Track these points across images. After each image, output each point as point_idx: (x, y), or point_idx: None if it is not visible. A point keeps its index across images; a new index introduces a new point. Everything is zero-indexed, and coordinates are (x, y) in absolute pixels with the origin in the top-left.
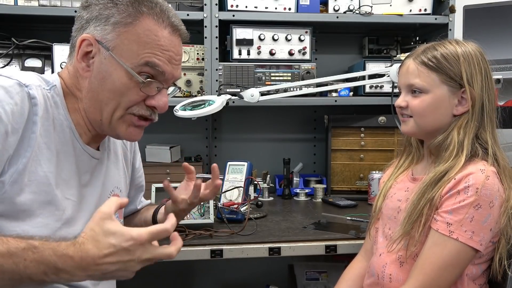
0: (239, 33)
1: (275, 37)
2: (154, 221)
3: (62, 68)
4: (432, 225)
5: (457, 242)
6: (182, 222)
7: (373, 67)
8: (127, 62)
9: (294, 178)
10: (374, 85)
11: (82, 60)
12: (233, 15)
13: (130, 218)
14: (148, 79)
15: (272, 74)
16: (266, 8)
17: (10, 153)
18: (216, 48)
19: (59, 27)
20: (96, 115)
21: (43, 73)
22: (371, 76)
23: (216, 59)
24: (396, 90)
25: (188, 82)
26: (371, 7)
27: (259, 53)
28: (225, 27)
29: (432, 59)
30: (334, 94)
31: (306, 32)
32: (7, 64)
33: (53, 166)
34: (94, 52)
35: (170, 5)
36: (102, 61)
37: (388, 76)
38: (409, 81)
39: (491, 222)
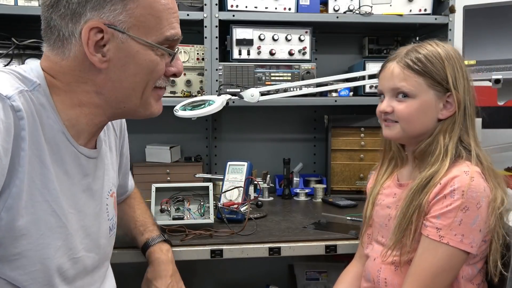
0: (239, 33)
1: (275, 37)
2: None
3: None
4: (422, 231)
5: (448, 247)
6: (182, 222)
7: (373, 67)
8: (149, 39)
9: (294, 178)
10: (374, 85)
11: (96, 51)
12: (233, 15)
13: (121, 204)
14: (174, 50)
15: (272, 74)
16: (266, 8)
17: (5, 176)
18: (216, 48)
19: None
20: (119, 104)
21: None
22: (371, 76)
23: (216, 59)
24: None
25: (188, 82)
26: (371, 7)
27: (259, 53)
28: (225, 27)
29: (418, 63)
30: (334, 94)
31: (306, 32)
32: (7, 64)
33: (48, 181)
34: (106, 39)
35: None
36: (120, 46)
37: None
38: (394, 84)
39: (480, 223)
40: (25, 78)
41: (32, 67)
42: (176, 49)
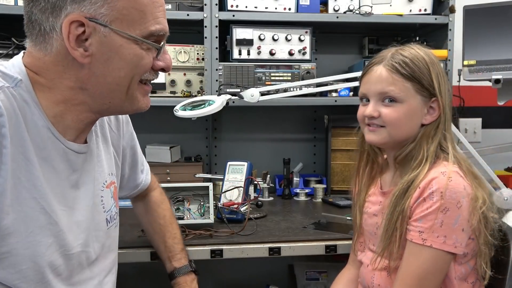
0: (239, 33)
1: (275, 37)
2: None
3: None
4: (407, 236)
5: (431, 249)
6: (182, 222)
7: None
8: (133, 33)
9: (294, 178)
10: None
11: (77, 46)
12: (233, 15)
13: (151, 221)
14: (161, 44)
15: (272, 74)
16: (266, 8)
17: None
18: (216, 48)
19: None
20: (104, 100)
21: None
22: None
23: (216, 59)
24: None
25: (188, 82)
26: (371, 7)
27: (259, 53)
28: (225, 27)
29: (406, 67)
30: (334, 94)
31: (306, 32)
32: None
33: (35, 178)
34: (88, 33)
35: None
36: (102, 40)
37: None
38: (383, 89)
39: (462, 223)
40: (6, 75)
41: (14, 63)
42: (162, 43)
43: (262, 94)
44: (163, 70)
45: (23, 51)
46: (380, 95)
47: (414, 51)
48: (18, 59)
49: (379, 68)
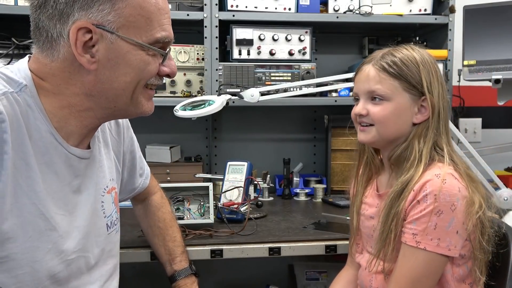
0: (239, 33)
1: (275, 37)
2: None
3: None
4: (401, 238)
5: (425, 252)
6: (182, 222)
7: None
8: (140, 39)
9: (294, 178)
10: None
11: (84, 52)
12: (233, 15)
13: (138, 204)
14: (166, 50)
15: (272, 74)
16: (266, 8)
17: None
18: (216, 48)
19: None
20: (109, 104)
21: None
22: None
23: (216, 59)
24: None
25: (188, 82)
26: (371, 7)
27: (259, 53)
28: (225, 27)
29: (393, 66)
30: (334, 94)
31: (306, 32)
32: (7, 64)
33: (35, 183)
34: (95, 40)
35: None
36: (109, 46)
37: None
38: (370, 87)
39: (456, 225)
40: (11, 79)
41: (19, 68)
42: (168, 49)
43: (262, 94)
44: (168, 76)
45: (28, 55)
46: (368, 93)
47: (407, 51)
48: (24, 63)
49: (368, 67)
